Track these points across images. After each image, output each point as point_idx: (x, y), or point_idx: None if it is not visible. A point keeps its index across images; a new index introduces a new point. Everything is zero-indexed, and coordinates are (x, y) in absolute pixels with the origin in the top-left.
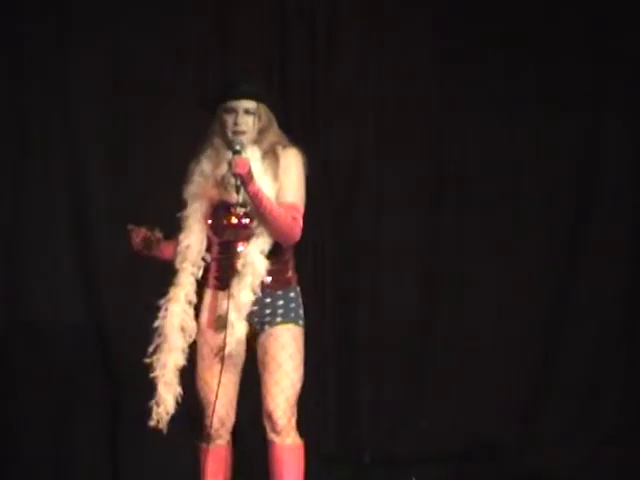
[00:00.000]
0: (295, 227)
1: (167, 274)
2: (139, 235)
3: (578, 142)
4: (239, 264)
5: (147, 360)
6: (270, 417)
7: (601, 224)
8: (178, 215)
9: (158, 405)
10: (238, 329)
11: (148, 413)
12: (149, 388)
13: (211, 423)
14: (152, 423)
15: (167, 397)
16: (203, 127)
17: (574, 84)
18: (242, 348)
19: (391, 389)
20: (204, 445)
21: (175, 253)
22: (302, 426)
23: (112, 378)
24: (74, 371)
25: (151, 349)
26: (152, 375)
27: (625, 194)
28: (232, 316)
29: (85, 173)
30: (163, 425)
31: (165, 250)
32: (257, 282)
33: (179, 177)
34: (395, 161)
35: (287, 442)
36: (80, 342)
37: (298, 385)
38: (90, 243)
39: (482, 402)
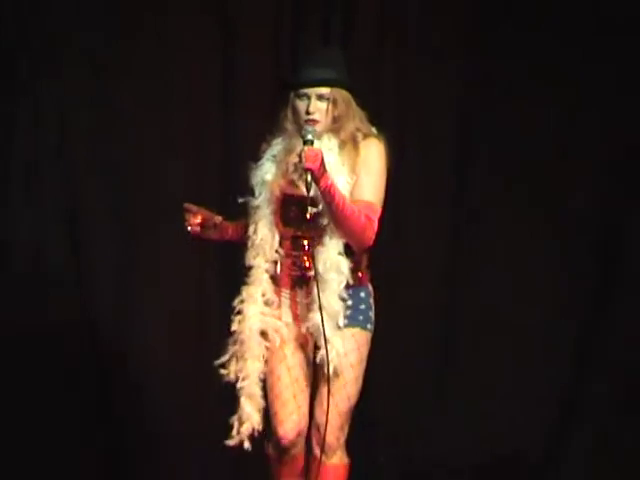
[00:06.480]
0: (368, 229)
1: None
2: (197, 217)
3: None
4: (320, 267)
5: (223, 371)
6: (318, 430)
7: None
8: (241, 200)
9: (241, 422)
10: (336, 343)
11: (228, 430)
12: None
13: (322, 447)
14: (232, 442)
15: (252, 412)
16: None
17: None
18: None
19: (409, 399)
20: (280, 457)
21: (246, 247)
22: None
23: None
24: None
25: (226, 357)
26: (238, 386)
27: None
28: (327, 331)
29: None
30: (247, 444)
31: (225, 231)
32: (342, 286)
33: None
34: (417, 144)
35: (332, 461)
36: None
37: (354, 399)
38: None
39: (506, 415)
